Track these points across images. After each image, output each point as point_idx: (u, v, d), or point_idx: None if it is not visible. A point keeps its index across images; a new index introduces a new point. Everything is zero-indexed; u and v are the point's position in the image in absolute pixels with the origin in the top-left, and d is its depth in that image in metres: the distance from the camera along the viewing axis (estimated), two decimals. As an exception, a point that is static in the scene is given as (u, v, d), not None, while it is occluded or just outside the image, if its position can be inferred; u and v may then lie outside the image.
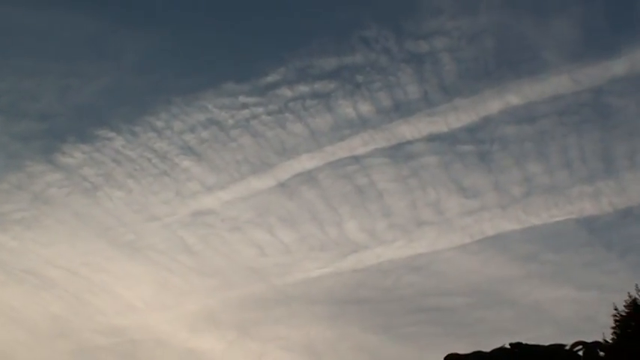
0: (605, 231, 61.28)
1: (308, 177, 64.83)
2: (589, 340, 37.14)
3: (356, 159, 64.22)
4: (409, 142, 62.82)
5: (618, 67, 57.69)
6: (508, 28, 62.87)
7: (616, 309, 35.21)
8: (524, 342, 38.28)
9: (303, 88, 64.17)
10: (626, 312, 34.88)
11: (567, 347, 37.82)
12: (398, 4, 65.16)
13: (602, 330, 35.65)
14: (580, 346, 37.53)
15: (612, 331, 35.28)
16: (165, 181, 65.95)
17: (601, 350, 36.51)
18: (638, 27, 58.39)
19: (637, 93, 61.30)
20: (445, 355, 39.98)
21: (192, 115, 64.97)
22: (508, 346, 38.46)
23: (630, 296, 34.96)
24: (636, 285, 35.00)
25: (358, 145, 63.07)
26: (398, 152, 63.36)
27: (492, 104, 59.97)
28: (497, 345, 38.25)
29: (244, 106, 64.98)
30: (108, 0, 71.89)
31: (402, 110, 62.04)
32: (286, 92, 64.27)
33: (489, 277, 62.44)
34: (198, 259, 67.11)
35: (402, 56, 62.24)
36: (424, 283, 64.46)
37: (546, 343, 37.89)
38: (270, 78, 64.30)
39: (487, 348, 38.39)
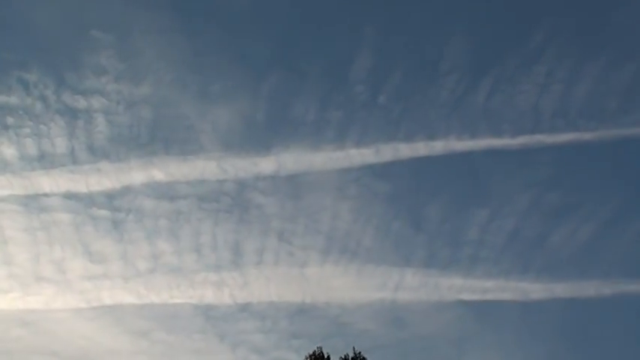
0: (222, 321, 60.16)
1: None
2: None
3: (-14, 201, 62.90)
4: (46, 195, 58.12)
5: (266, 165, 57.91)
6: (170, 105, 61.42)
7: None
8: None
9: (-50, 118, 61.52)
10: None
11: None
12: (65, 55, 61.21)
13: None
14: None
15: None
16: None
17: None
18: (292, 129, 59.68)
19: (278, 194, 60.91)
20: None
21: None
22: None
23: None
24: None
25: (-7, 187, 62.61)
26: (33, 202, 58.45)
27: (136, 175, 58.09)
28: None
29: None
30: None
31: (45, 161, 58.15)
32: None
33: (100, 346, 58.30)
34: None
35: (57, 107, 58.64)
36: (33, 340, 58.83)
37: None
38: None
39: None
